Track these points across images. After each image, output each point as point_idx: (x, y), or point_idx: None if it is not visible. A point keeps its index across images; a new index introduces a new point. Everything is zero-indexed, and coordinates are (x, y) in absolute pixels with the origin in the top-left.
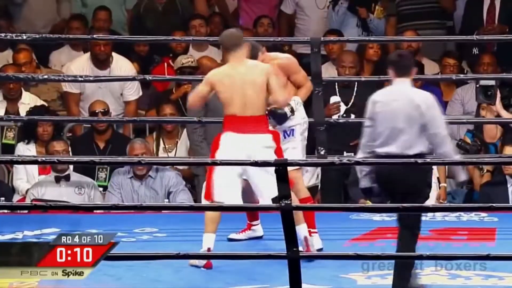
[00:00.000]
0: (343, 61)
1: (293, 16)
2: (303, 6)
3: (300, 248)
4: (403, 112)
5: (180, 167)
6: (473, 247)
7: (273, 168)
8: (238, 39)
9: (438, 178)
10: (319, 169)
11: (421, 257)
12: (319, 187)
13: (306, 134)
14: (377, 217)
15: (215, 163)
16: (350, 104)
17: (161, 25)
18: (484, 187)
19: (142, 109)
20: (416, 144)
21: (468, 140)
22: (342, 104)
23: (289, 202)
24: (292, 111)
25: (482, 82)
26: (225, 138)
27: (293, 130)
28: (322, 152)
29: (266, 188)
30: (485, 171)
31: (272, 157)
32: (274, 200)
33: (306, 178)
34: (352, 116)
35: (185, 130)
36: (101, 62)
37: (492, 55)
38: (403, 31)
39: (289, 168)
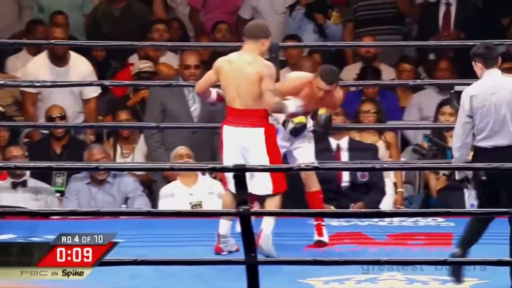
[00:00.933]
0: (302, 67)
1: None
2: (261, 11)
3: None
4: (505, 103)
5: (138, 173)
6: (430, 252)
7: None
8: (254, 31)
9: (395, 183)
10: None
11: (378, 262)
12: None
13: (313, 143)
14: (335, 222)
15: (173, 169)
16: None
17: (118, 30)
18: (441, 192)
19: (100, 114)
20: None
21: (425, 145)
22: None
23: (247, 207)
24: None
25: (456, 88)
26: (224, 131)
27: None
28: None
29: (253, 185)
30: (441, 175)
31: (263, 151)
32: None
33: None
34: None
35: (142, 136)
36: (58, 58)
37: (449, 61)
38: (361, 37)
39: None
